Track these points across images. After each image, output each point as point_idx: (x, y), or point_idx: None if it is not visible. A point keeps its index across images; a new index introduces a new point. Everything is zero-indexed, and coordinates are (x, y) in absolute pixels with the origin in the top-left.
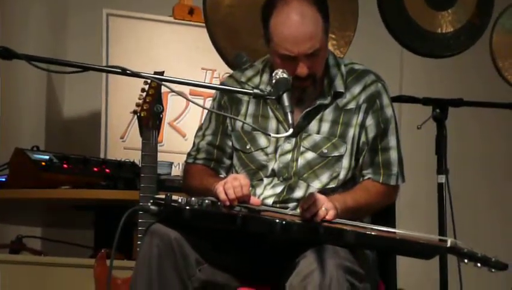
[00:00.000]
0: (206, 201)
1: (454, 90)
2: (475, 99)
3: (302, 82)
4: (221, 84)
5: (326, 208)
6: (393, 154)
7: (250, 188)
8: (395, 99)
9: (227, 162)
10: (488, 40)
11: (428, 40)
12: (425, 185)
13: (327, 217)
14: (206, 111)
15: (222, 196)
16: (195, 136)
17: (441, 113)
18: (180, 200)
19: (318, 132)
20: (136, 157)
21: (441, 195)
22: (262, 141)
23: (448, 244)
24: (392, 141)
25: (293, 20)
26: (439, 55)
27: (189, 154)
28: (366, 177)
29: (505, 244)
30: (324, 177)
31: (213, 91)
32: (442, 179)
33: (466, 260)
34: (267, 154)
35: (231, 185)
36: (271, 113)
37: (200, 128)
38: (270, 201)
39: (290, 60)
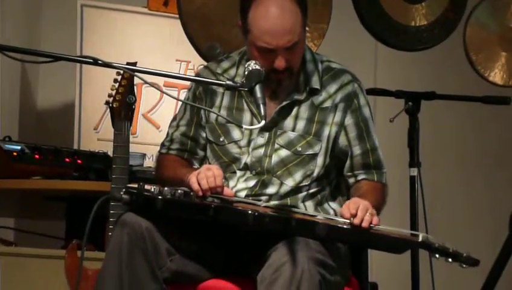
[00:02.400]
0: (179, 191)
1: (428, 83)
2: (449, 92)
3: (279, 75)
4: (197, 75)
5: (371, 213)
6: (380, 154)
7: (223, 180)
8: (368, 92)
9: (201, 153)
10: (461, 33)
11: (402, 33)
12: (397, 178)
13: (373, 222)
14: (180, 103)
15: (195, 186)
16: (169, 127)
17: (414, 106)
18: (152, 190)
19: (293, 130)
20: (109, 148)
21: (413, 188)
22: (235, 133)
23: (420, 239)
24: (376, 141)
25: (273, 13)
26: (413, 48)
27: (162, 145)
28: (359, 178)
29: (477, 239)
30: (298, 175)
31: (187, 82)
32: (414, 172)
33: (437, 255)
34: (240, 147)
35: (204, 176)
36: (245, 106)
37: (174, 119)
38: (242, 194)
39: (268, 53)
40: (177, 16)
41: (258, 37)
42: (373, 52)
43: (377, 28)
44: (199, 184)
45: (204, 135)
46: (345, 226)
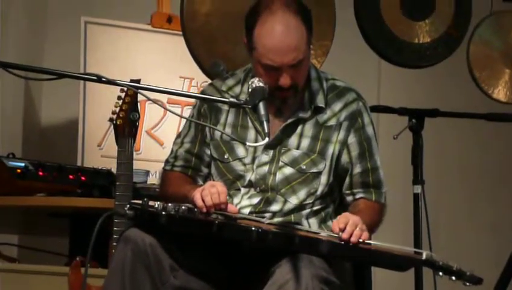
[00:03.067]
0: (183, 207)
1: (431, 100)
2: (452, 109)
3: (284, 92)
4: (202, 92)
5: (361, 229)
6: (381, 174)
7: (228, 197)
8: (371, 109)
9: (205, 170)
10: (465, 51)
11: (406, 50)
12: (401, 195)
13: (362, 237)
14: (184, 119)
15: (199, 202)
16: (173, 143)
17: (417, 123)
18: (156, 206)
19: (297, 148)
20: (113, 165)
21: (416, 206)
22: (240, 151)
23: (424, 257)
24: (378, 160)
25: (278, 30)
26: (416, 66)
27: (166, 161)
28: (357, 197)
29: (481, 257)
30: (302, 193)
31: (191, 99)
32: (418, 189)
33: (441, 273)
34: (244, 165)
35: (208, 192)
36: (250, 124)
37: (178, 136)
38: (246, 211)
39: (273, 70)
40: (180, 33)
41: (263, 54)
42: (376, 69)
43: (380, 45)
44: (203, 201)
45: (208, 152)
46: (348, 244)
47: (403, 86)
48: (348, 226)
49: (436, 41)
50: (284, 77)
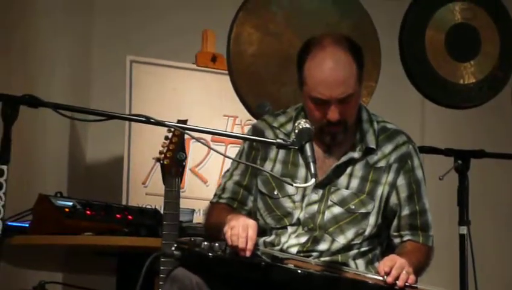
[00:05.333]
0: (229, 247)
1: (475, 140)
2: (498, 150)
3: (333, 127)
4: (253, 126)
5: (408, 272)
6: (429, 217)
7: (274, 236)
8: None
9: (250, 205)
10: (510, 91)
11: (451, 91)
12: (446, 236)
13: (409, 281)
14: (227, 157)
15: (228, 241)
16: (222, 176)
17: (463, 164)
18: (203, 246)
19: (347, 187)
20: (157, 203)
21: (462, 247)
22: (290, 187)
23: None
24: (427, 204)
25: (328, 64)
26: (462, 106)
27: (214, 195)
28: (405, 239)
29: None
30: (350, 233)
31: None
32: (464, 230)
33: None
34: (293, 202)
35: (237, 233)
36: (301, 161)
37: (228, 169)
38: (294, 250)
39: (322, 104)
40: (224, 71)
41: (312, 88)
42: (420, 109)
43: (424, 85)
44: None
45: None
46: (395, 288)
47: (447, 126)
48: (394, 269)
49: (481, 82)
50: (332, 111)
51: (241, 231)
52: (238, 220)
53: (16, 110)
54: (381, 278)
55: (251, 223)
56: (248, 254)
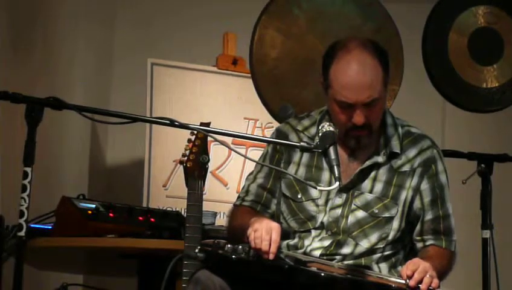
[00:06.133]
0: (252, 250)
1: (496, 144)
2: None
3: (358, 131)
4: (277, 129)
5: (431, 275)
6: (452, 222)
7: (297, 239)
8: None
9: (274, 208)
10: None
11: (473, 95)
12: (469, 240)
13: (432, 285)
14: (248, 160)
15: (251, 244)
16: (246, 179)
17: (486, 168)
18: (226, 248)
19: (371, 191)
20: (178, 205)
21: (485, 251)
22: (313, 191)
23: None
24: (450, 208)
25: (353, 68)
26: (484, 110)
27: (238, 197)
28: (428, 243)
29: None
30: (373, 237)
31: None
32: (486, 234)
33: None
34: (317, 206)
35: (260, 235)
36: (325, 165)
37: (251, 172)
38: (317, 253)
39: (348, 108)
40: (245, 74)
41: (338, 91)
42: (441, 113)
43: (447, 89)
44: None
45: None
46: None
47: (468, 130)
48: (417, 273)
49: (504, 86)
50: (357, 115)
51: (264, 233)
52: (262, 223)
53: (40, 113)
54: (404, 281)
55: (274, 225)
56: (271, 257)
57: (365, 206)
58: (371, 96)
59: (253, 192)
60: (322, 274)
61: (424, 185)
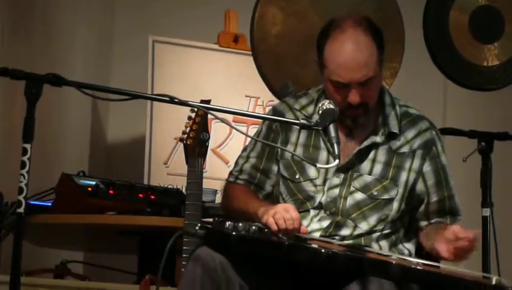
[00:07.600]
0: (253, 227)
1: (497, 123)
2: None
3: (354, 110)
4: (274, 109)
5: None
6: (457, 201)
7: None
8: (441, 132)
9: (268, 188)
10: None
11: (474, 73)
12: (469, 218)
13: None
14: (249, 138)
15: (274, 227)
16: (239, 157)
17: (487, 146)
18: (227, 225)
19: (370, 173)
20: (179, 183)
21: (485, 229)
22: (311, 171)
23: (493, 282)
24: (453, 188)
25: (348, 47)
26: (485, 88)
27: (230, 173)
28: (433, 221)
29: None
30: (372, 219)
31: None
32: (486, 212)
33: None
34: (315, 186)
35: (281, 216)
36: (322, 144)
37: (244, 149)
38: (317, 235)
39: (343, 87)
40: (246, 52)
41: (333, 71)
42: (442, 91)
43: (448, 68)
44: (277, 224)
45: (275, 168)
46: (418, 267)
47: (469, 108)
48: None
49: (505, 64)
50: (353, 94)
51: (284, 213)
52: (275, 206)
53: (39, 89)
54: (404, 258)
55: (288, 205)
56: (305, 230)
57: (364, 188)
58: (366, 75)
59: (247, 172)
60: (323, 251)
61: (427, 168)
